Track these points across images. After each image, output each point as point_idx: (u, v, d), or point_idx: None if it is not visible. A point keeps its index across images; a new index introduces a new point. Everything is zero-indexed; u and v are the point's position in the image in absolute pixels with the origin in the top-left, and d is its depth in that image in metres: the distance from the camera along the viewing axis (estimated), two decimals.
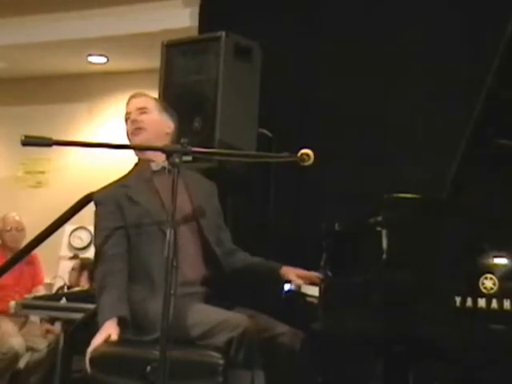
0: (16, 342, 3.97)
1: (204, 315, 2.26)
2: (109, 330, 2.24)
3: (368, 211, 2.12)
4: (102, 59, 5.46)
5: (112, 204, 2.43)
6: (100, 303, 2.32)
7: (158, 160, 2.49)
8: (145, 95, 2.65)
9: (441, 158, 2.36)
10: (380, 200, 2.02)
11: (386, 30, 3.35)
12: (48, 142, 1.81)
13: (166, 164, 2.42)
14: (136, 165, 2.59)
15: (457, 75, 3.15)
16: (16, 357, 3.97)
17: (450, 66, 3.19)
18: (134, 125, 2.54)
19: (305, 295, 2.32)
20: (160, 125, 2.56)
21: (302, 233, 3.37)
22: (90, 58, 5.45)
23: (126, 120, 2.57)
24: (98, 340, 2.24)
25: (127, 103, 2.60)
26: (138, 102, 2.60)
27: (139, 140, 2.50)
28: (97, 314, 2.85)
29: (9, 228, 4.48)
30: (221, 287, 2.41)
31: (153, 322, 2.19)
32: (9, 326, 4.04)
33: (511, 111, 2.10)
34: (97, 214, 2.46)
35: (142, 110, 2.57)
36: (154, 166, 2.52)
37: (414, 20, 3.31)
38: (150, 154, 2.51)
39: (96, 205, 2.48)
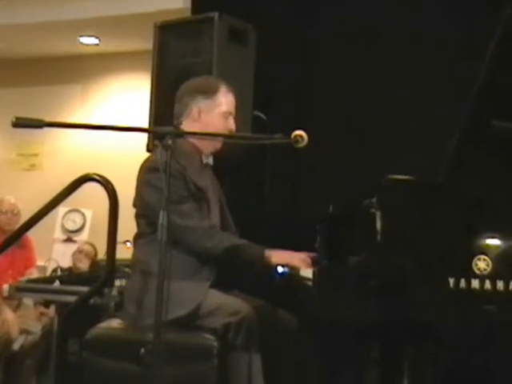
0: (13, 330, 3.99)
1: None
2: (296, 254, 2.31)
3: (363, 193, 2.12)
4: (94, 40, 5.42)
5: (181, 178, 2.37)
6: (239, 244, 2.34)
7: (205, 151, 2.49)
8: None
9: (440, 141, 2.35)
10: (375, 182, 2.01)
11: (385, 14, 3.31)
12: (39, 124, 1.79)
13: (210, 160, 2.50)
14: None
15: (457, 62, 3.13)
16: (10, 340, 3.98)
17: (451, 53, 3.17)
18: (233, 127, 2.49)
19: (299, 278, 2.32)
20: None
21: (299, 216, 3.37)
22: (82, 39, 5.41)
23: (223, 114, 2.48)
24: (295, 258, 2.30)
25: (231, 99, 2.51)
26: (234, 103, 2.53)
27: (219, 145, 2.47)
28: (92, 296, 2.87)
29: (4, 210, 4.46)
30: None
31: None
32: (11, 316, 4.05)
33: (507, 94, 2.09)
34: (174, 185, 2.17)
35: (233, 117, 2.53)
36: (204, 158, 2.51)
37: (413, 10, 3.27)
38: (198, 143, 2.47)
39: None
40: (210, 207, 2.44)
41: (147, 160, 2.46)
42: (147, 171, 2.39)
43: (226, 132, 2.47)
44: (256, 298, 2.46)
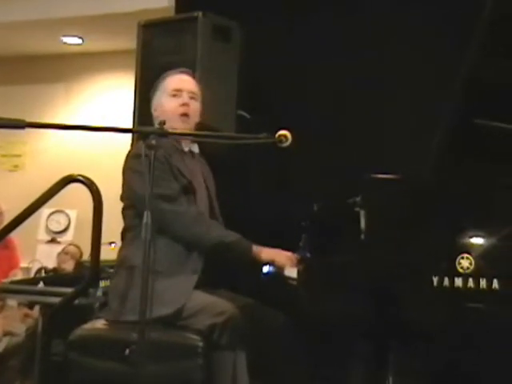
0: None
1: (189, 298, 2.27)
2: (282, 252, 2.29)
3: (348, 192, 2.12)
4: (77, 40, 5.39)
5: (166, 163, 2.37)
6: (227, 235, 2.33)
7: (184, 141, 2.49)
8: (193, 76, 2.57)
9: (427, 141, 2.36)
10: (360, 181, 2.02)
11: (374, 11, 3.31)
12: (20, 124, 1.76)
13: (194, 148, 2.51)
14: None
15: (448, 62, 3.13)
16: None
17: (443, 53, 3.17)
18: (184, 108, 2.46)
19: (284, 277, 2.32)
20: (198, 115, 2.52)
21: (285, 216, 3.37)
22: (65, 39, 5.37)
23: (171, 93, 2.47)
24: (282, 256, 2.28)
25: (178, 77, 2.50)
26: (192, 84, 2.52)
27: (183, 126, 2.43)
28: (76, 297, 2.85)
29: None
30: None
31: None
32: None
33: (491, 91, 2.10)
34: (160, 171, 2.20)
35: (193, 95, 2.50)
36: (185, 146, 2.51)
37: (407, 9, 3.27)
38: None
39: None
40: (196, 195, 2.44)
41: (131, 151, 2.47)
42: (131, 157, 2.41)
43: (179, 109, 2.45)
44: (242, 297, 2.46)
